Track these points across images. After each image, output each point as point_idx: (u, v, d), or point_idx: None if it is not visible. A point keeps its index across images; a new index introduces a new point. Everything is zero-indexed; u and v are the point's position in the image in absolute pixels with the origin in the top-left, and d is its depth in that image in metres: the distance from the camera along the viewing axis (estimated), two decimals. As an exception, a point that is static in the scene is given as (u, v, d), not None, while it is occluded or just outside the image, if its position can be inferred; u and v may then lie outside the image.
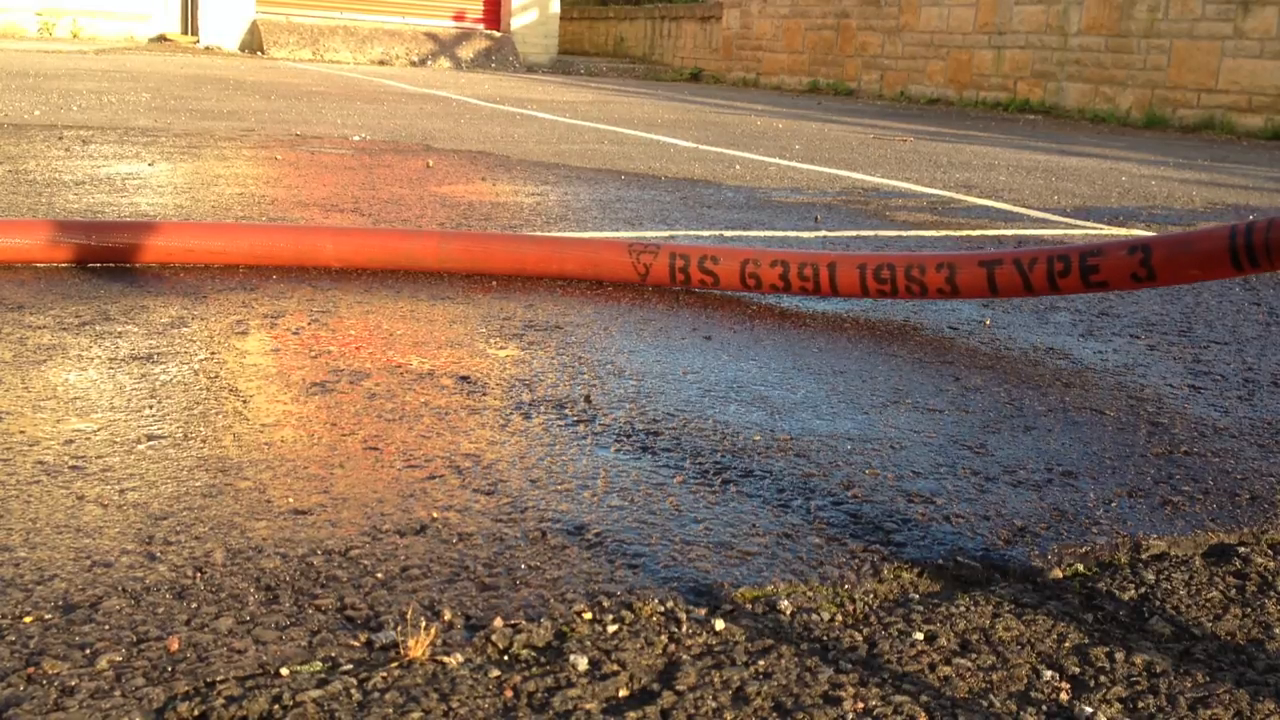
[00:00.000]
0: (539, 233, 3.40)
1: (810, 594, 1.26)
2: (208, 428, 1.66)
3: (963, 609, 1.25)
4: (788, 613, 1.21)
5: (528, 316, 2.41)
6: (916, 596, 1.27)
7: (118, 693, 1.00)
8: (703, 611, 1.20)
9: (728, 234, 3.57)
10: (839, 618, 1.21)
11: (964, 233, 3.95)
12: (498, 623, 1.15)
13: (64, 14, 16.35)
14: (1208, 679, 1.14)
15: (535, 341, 2.22)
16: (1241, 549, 1.45)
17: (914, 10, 14.20)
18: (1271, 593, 1.34)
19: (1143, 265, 2.14)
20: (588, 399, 1.88)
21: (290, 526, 1.35)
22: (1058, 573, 1.35)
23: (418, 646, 1.09)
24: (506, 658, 1.10)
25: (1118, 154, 7.83)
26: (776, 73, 16.53)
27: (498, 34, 18.76)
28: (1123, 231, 4.15)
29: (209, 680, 1.03)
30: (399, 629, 1.13)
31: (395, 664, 1.07)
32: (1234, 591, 1.33)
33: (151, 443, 1.58)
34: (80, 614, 1.13)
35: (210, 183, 4.09)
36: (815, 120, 9.76)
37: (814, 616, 1.21)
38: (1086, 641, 1.20)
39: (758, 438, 1.74)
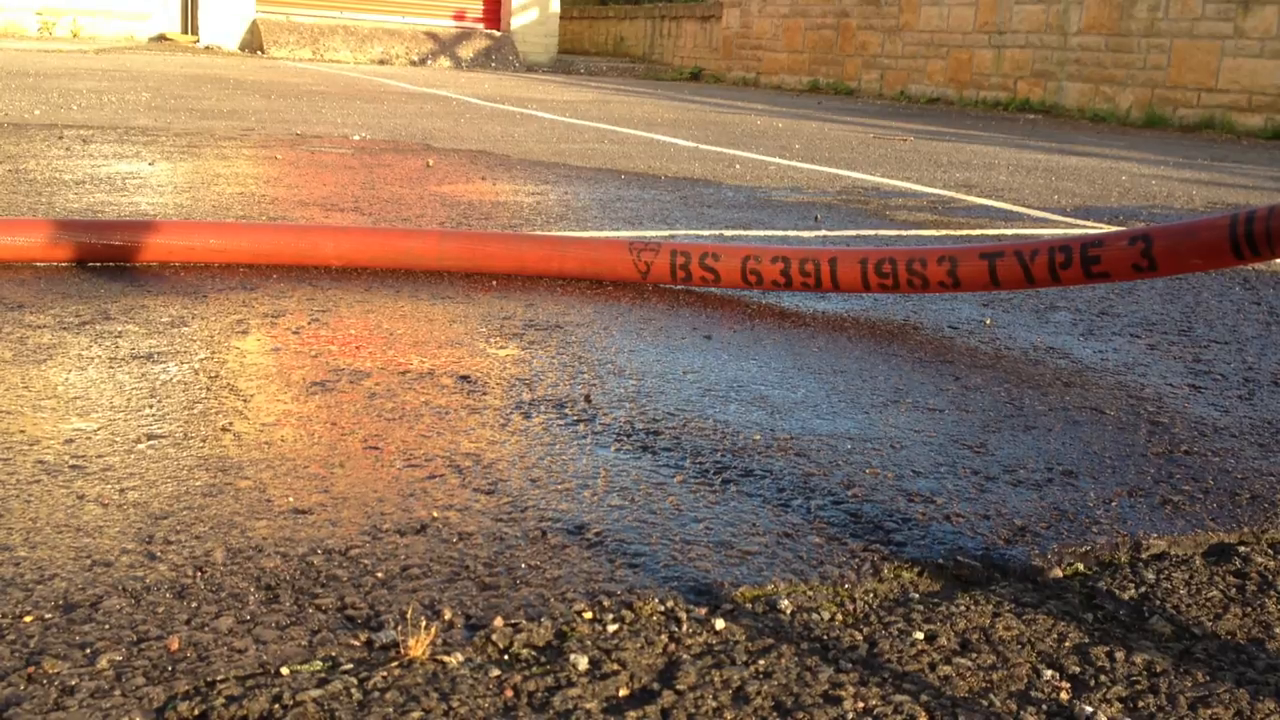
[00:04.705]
0: (539, 232, 3.40)
1: (810, 593, 1.26)
2: (208, 427, 1.66)
3: (963, 608, 1.25)
4: (788, 612, 1.21)
5: (528, 316, 2.41)
6: (916, 596, 1.27)
7: (118, 692, 1.00)
8: (703, 611, 1.20)
9: (728, 233, 3.57)
10: (839, 617, 1.21)
11: (964, 232, 3.95)
12: (498, 622, 1.15)
13: (64, 13, 16.35)
14: (1208, 678, 1.14)
15: (535, 341, 2.22)
16: (1241, 548, 1.45)
17: (914, 10, 14.19)
18: (1271, 592, 1.34)
19: (1144, 256, 2.14)
20: (588, 398, 1.88)
21: (290, 526, 1.35)
22: (1058, 572, 1.35)
23: (418, 646, 1.09)
24: (506, 657, 1.10)
25: (1118, 153, 7.83)
26: (776, 72, 16.53)
27: (498, 33, 18.76)
28: (1123, 231, 4.15)
29: (209, 680, 1.03)
30: (399, 628, 1.13)
31: (395, 663, 1.07)
32: (1234, 591, 1.33)
33: (151, 442, 1.58)
34: (80, 613, 1.13)
35: (210, 182, 4.09)
36: (815, 120, 9.76)
37: (814, 616, 1.21)
38: (1086, 641, 1.20)
39: (758, 437, 1.74)
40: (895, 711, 1.04)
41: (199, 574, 1.22)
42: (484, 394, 1.88)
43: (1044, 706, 1.07)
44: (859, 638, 1.17)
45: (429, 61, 17.63)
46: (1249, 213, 1.99)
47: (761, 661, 1.11)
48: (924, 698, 1.07)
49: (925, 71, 14.11)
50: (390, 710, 1.00)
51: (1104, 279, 2.22)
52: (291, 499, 1.42)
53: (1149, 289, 3.08)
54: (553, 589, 1.23)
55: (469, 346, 2.16)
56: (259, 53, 16.66)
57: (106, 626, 1.11)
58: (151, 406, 1.73)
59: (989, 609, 1.25)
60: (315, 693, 1.02)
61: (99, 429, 1.62)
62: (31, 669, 1.03)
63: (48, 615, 1.12)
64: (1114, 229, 2.80)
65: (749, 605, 1.22)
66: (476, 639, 1.12)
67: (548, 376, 1.99)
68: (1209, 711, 1.08)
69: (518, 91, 11.39)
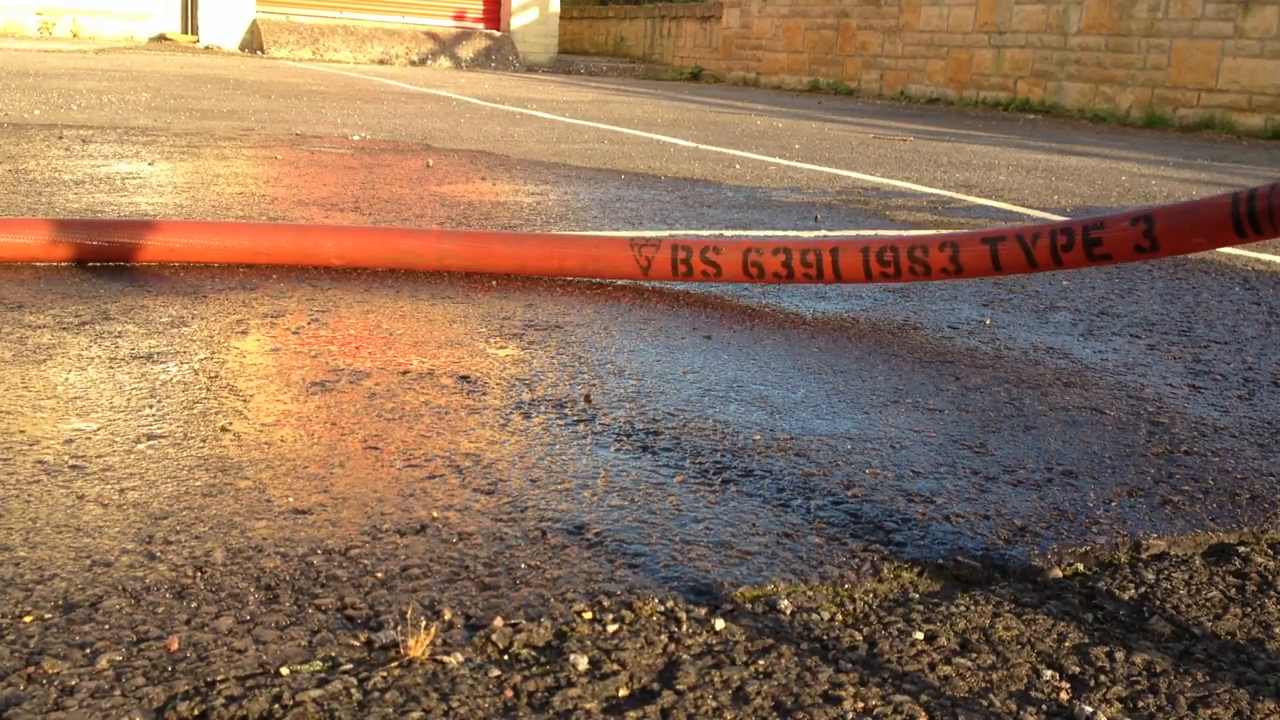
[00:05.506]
0: (539, 232, 3.39)
1: (810, 593, 1.26)
2: (207, 427, 1.66)
3: (963, 608, 1.25)
4: (788, 612, 1.21)
5: (528, 316, 2.41)
6: (916, 596, 1.27)
7: (118, 692, 1.00)
8: (703, 611, 1.20)
9: (728, 233, 3.57)
10: (839, 617, 1.21)
11: (964, 231, 3.94)
12: (498, 622, 1.15)
13: (64, 13, 16.35)
14: (1208, 678, 1.14)
15: (535, 341, 2.22)
16: (1241, 548, 1.45)
17: (914, 10, 14.19)
18: (1271, 592, 1.34)
19: (1146, 236, 2.12)
20: (588, 398, 1.88)
21: (290, 526, 1.35)
22: (1058, 572, 1.35)
23: (418, 646, 1.09)
24: (506, 657, 1.10)
25: (1118, 153, 7.83)
26: (776, 72, 16.53)
27: (498, 33, 18.76)
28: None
29: (209, 680, 1.03)
30: (399, 628, 1.13)
31: (395, 663, 1.07)
32: (1234, 591, 1.33)
33: (151, 442, 1.58)
34: (80, 613, 1.13)
35: (210, 182, 4.09)
36: (815, 120, 9.76)
37: (814, 616, 1.21)
38: (1086, 641, 1.20)
39: (758, 437, 1.74)
40: (895, 711, 1.04)
41: (199, 574, 1.22)
42: (484, 394, 1.88)
43: (1044, 706, 1.07)
44: (859, 638, 1.17)
45: (429, 61, 17.62)
46: (1251, 191, 1.99)
47: (761, 661, 1.11)
48: (924, 698, 1.07)
49: (925, 71, 14.11)
50: (390, 710, 1.00)
51: (1106, 260, 2.20)
52: (291, 499, 1.42)
53: (1149, 289, 3.08)
54: (553, 589, 1.23)
55: (469, 346, 2.16)
56: (259, 53, 16.66)
57: (106, 626, 1.11)
58: (151, 406, 1.73)
59: (989, 609, 1.25)
60: (315, 693, 1.02)
61: (99, 429, 1.62)
62: (31, 669, 1.03)
63: (48, 615, 1.12)
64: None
65: (749, 605, 1.22)
66: (476, 639, 1.12)
67: (548, 376, 1.99)
68: (1209, 711, 1.08)
69: (518, 91, 11.39)
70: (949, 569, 1.34)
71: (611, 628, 1.16)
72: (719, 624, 1.18)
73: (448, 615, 1.16)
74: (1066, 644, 1.19)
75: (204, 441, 1.60)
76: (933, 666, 1.13)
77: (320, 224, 3.30)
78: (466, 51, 18.06)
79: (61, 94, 7.53)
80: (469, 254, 2.72)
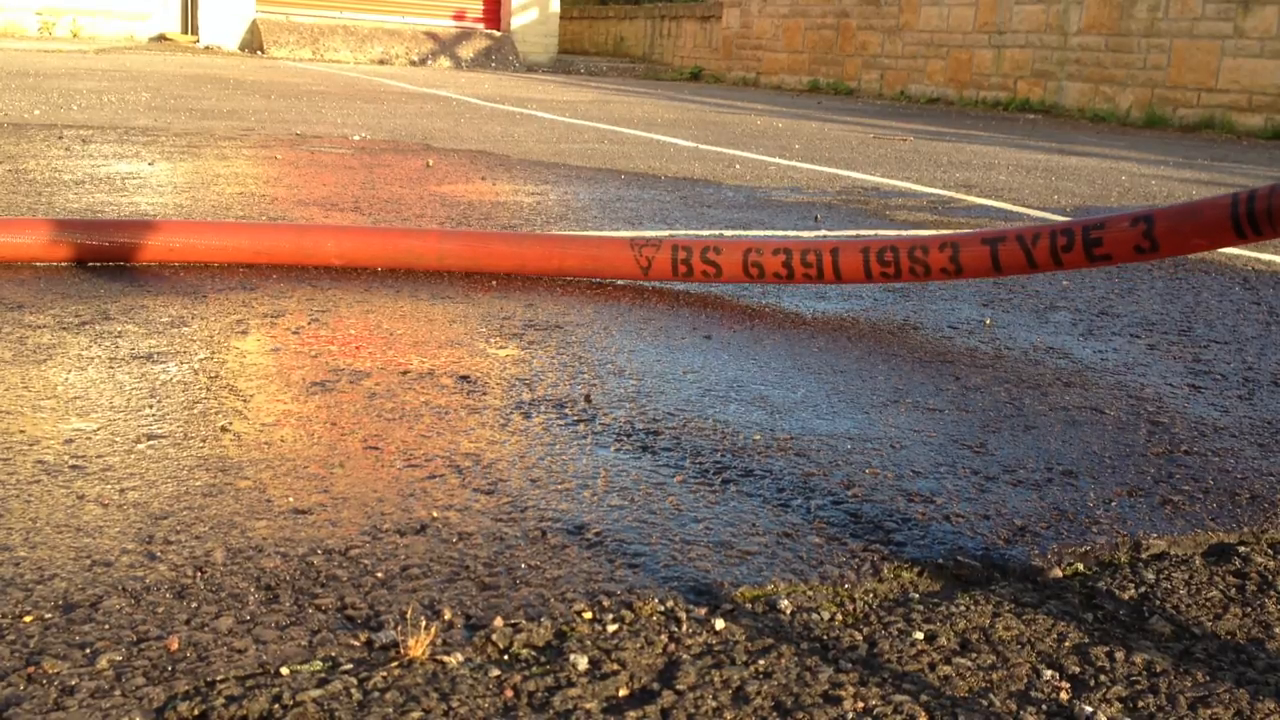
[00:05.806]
0: (539, 232, 3.39)
1: (810, 593, 1.26)
2: (207, 427, 1.66)
3: (963, 608, 1.25)
4: (788, 612, 1.21)
5: (528, 316, 2.41)
6: (916, 596, 1.27)
7: (118, 692, 1.00)
8: (703, 611, 1.20)
9: (727, 233, 3.57)
10: (839, 617, 1.21)
11: (964, 232, 3.94)
12: (498, 622, 1.15)
13: (64, 13, 16.35)
14: (1208, 678, 1.14)
15: (535, 341, 2.22)
16: (1241, 548, 1.45)
17: (914, 9, 14.19)
18: (1271, 592, 1.34)
19: (1145, 237, 2.12)
20: (588, 398, 1.88)
21: (290, 526, 1.35)
22: (1058, 572, 1.35)
23: (418, 646, 1.09)
24: (506, 657, 1.10)
25: (1118, 153, 7.83)
26: (776, 72, 16.53)
27: (498, 33, 18.76)
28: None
29: (209, 680, 1.03)
30: (399, 628, 1.13)
31: (395, 663, 1.07)
32: (1234, 591, 1.33)
33: (151, 442, 1.58)
34: (80, 613, 1.13)
35: (210, 182, 4.09)
36: (815, 120, 9.76)
37: (814, 616, 1.21)
38: (1086, 641, 1.20)
39: (758, 437, 1.74)
40: (895, 711, 1.04)
41: (199, 574, 1.22)
42: (484, 394, 1.88)
43: (1044, 706, 1.07)
44: (859, 638, 1.17)
45: (429, 61, 17.62)
46: (1250, 192, 1.99)
47: (761, 661, 1.11)
48: (924, 698, 1.07)
49: (925, 71, 14.11)
50: (390, 710, 1.00)
51: (1106, 261, 2.20)
52: (291, 499, 1.42)
53: (1149, 289, 3.08)
54: (553, 589, 1.23)
55: (469, 346, 2.16)
56: (259, 53, 16.66)
57: (106, 626, 1.11)
58: (151, 406, 1.73)
59: (989, 609, 1.25)
60: (315, 693, 1.02)
61: (99, 429, 1.62)
62: (31, 669, 1.03)
63: (48, 615, 1.12)
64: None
65: (749, 605, 1.22)
66: (476, 639, 1.12)
67: (548, 376, 1.99)
68: (1209, 711, 1.08)
69: (518, 91, 11.39)
70: (949, 569, 1.34)
71: (611, 628, 1.16)
72: (719, 624, 1.18)
73: (448, 615, 1.16)
74: (1066, 644, 1.19)
75: (204, 441, 1.60)
76: (933, 666, 1.13)
77: (320, 224, 3.30)
78: (466, 51, 18.06)
79: (61, 94, 7.53)
80: (469, 254, 2.72)
